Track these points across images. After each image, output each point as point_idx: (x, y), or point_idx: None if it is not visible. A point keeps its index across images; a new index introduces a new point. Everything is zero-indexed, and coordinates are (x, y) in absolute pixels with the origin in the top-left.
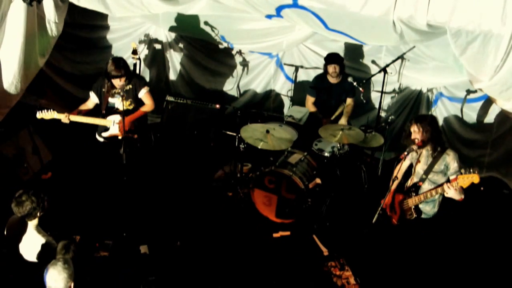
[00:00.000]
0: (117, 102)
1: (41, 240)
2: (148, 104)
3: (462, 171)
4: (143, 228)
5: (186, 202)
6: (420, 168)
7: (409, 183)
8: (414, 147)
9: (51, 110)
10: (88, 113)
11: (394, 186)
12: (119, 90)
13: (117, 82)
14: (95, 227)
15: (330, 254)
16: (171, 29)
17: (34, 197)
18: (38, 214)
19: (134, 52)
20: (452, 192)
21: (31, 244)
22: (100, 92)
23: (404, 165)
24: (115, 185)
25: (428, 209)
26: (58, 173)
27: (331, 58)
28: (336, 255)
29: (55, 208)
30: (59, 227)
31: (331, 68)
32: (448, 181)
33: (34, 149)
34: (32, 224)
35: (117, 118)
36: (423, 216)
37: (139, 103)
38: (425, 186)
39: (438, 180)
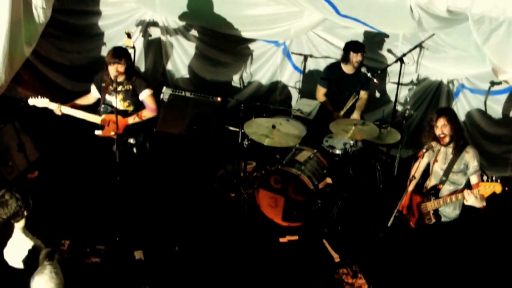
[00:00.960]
0: (114, 100)
1: (29, 243)
2: (149, 108)
3: (484, 178)
4: (138, 232)
5: (184, 203)
6: (438, 168)
7: (428, 184)
8: (434, 143)
9: (45, 97)
10: (88, 108)
11: (411, 186)
12: (117, 87)
13: (113, 71)
14: (86, 231)
15: (341, 260)
16: (169, 15)
17: (18, 195)
18: (25, 213)
19: (128, 36)
20: (472, 200)
21: (17, 249)
22: (100, 86)
23: (422, 163)
24: (107, 186)
25: (449, 211)
26: (45, 172)
27: (358, 46)
28: (348, 262)
29: (42, 211)
30: (47, 231)
31: (356, 57)
32: (468, 183)
33: (19, 146)
34: (18, 226)
35: (112, 118)
36: (443, 219)
37: (139, 106)
38: (445, 188)
39: (458, 180)
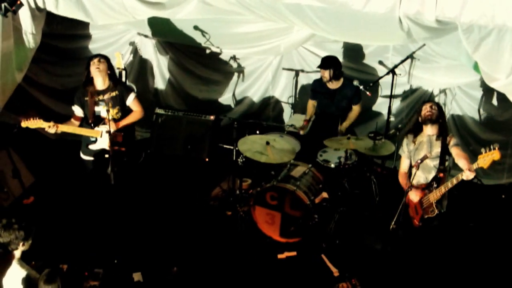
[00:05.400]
0: (103, 110)
1: (23, 274)
2: (136, 111)
3: (482, 150)
4: (136, 254)
5: (181, 224)
6: (430, 162)
7: (417, 180)
8: (429, 154)
9: (37, 118)
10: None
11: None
12: (104, 97)
13: (94, 67)
14: (83, 255)
15: (341, 274)
16: (159, 35)
17: (26, 227)
18: (21, 245)
19: (119, 57)
20: (472, 176)
21: (12, 279)
22: (83, 101)
23: (405, 165)
24: (103, 208)
25: (445, 203)
26: (41, 197)
27: (322, 62)
28: (348, 276)
29: (39, 236)
30: (44, 256)
31: (324, 73)
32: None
33: (14, 172)
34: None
35: (105, 128)
36: (443, 211)
37: (126, 112)
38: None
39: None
